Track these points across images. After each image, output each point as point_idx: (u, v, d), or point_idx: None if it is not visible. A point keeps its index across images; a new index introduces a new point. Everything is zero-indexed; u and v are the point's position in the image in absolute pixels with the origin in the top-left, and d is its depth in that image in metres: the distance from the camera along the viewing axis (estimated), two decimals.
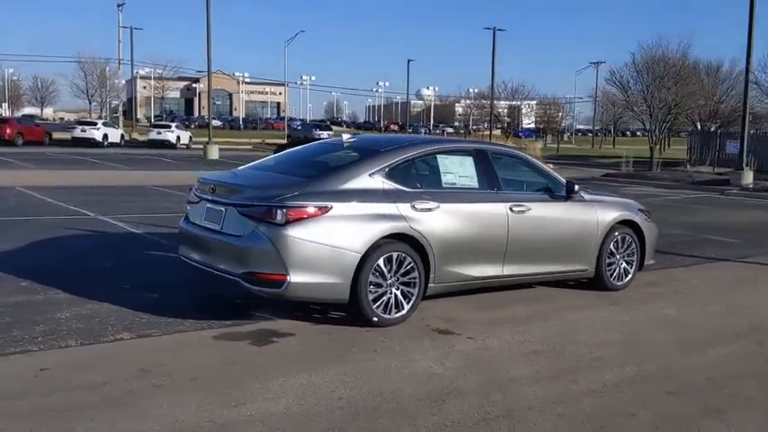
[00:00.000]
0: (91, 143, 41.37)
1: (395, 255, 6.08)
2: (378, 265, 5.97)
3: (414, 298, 6.23)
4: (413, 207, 6.21)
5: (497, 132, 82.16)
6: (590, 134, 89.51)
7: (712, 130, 39.45)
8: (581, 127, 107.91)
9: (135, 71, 73.70)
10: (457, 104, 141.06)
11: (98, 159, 30.44)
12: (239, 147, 49.93)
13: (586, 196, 7.63)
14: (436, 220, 6.32)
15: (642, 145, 73.97)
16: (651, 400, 4.65)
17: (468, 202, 6.66)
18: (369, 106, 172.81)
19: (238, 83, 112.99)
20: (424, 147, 6.80)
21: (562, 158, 43.14)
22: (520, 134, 75.21)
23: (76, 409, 4.15)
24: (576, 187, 7.39)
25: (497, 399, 4.57)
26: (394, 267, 6.08)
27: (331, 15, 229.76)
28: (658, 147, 56.47)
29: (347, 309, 6.09)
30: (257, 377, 4.80)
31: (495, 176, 7.00)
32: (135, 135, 53.52)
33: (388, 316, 6.08)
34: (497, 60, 45.83)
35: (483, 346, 5.71)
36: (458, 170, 6.82)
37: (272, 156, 7.52)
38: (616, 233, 7.79)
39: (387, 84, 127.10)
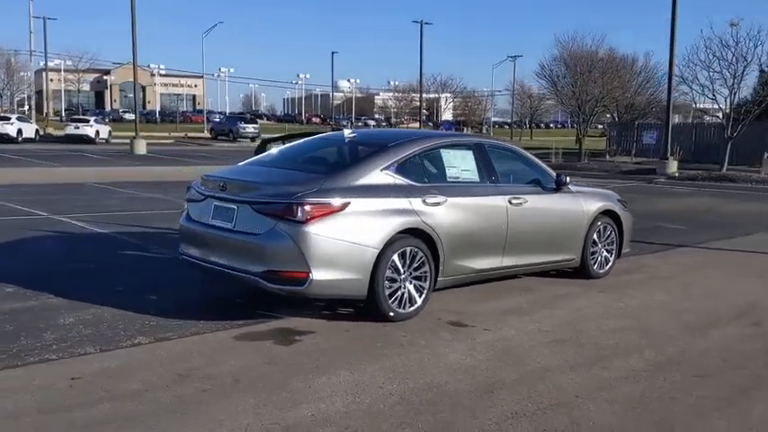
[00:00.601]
0: (4, 139, 39.47)
1: (408, 249, 6.10)
2: (393, 260, 5.99)
3: (425, 292, 6.27)
4: (423, 202, 6.25)
5: (417, 125, 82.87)
6: (506, 126, 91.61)
7: (629, 121, 40.96)
8: (497, 119, 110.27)
9: (45, 63, 70.46)
10: (376, 97, 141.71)
11: (18, 156, 29.08)
12: (162, 141, 48.57)
13: (572, 188, 7.85)
14: (444, 214, 6.37)
15: (557, 137, 76.19)
16: (684, 383, 4.85)
17: (472, 196, 6.75)
18: (287, 98, 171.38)
19: (152, 75, 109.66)
20: (427, 141, 6.83)
21: None
22: (441, 127, 76.27)
23: (136, 419, 4.00)
24: (568, 179, 7.60)
25: (542, 389, 4.67)
26: (407, 262, 6.11)
27: (251, 6, 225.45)
28: (576, 138, 58.49)
29: (364, 304, 6.06)
30: (299, 377, 4.74)
31: (494, 170, 7.11)
32: (50, 130, 51.29)
33: (403, 311, 6.11)
34: (424, 53, 46.26)
35: (503, 337, 5.80)
36: (459, 164, 6.90)
37: (272, 151, 7.36)
38: (599, 223, 8.06)
39: (308, 76, 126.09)
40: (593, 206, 8.01)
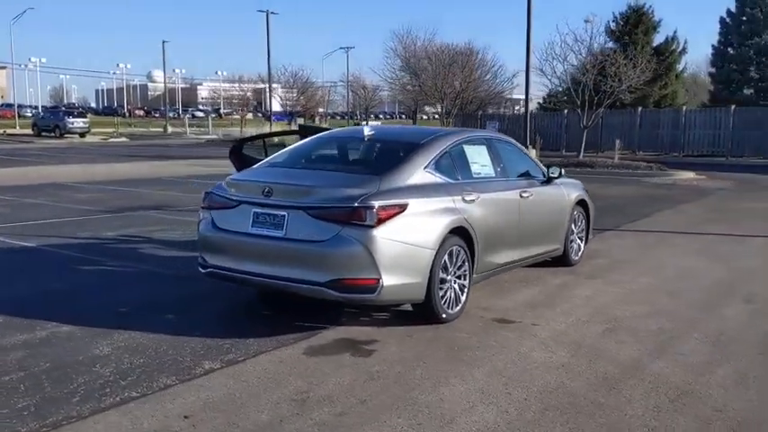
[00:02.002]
0: None
1: (454, 249, 6.03)
2: (444, 260, 5.88)
3: (467, 290, 6.23)
4: (463, 199, 6.19)
5: (249, 116, 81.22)
6: (338, 117, 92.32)
7: (473, 111, 42.73)
8: (330, 111, 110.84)
9: None
10: (199, 87, 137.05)
11: None
12: None
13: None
14: (478, 211, 6.35)
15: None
16: (757, 361, 5.21)
17: (494, 191, 6.77)
18: (101, 90, 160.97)
19: None
20: (451, 137, 6.73)
21: None
22: (274, 118, 75.17)
23: None
24: (563, 171, 7.84)
25: (653, 378, 4.80)
26: (454, 261, 6.02)
27: None
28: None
29: (418, 308, 5.89)
30: (417, 390, 4.54)
31: (504, 164, 7.19)
32: None
33: (452, 311, 6.03)
34: (262, 42, 44.96)
35: (559, 331, 5.88)
36: (478, 159, 6.89)
37: (287, 150, 6.85)
38: (575, 212, 8.40)
39: (129, 66, 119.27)
40: (573, 196, 8.33)
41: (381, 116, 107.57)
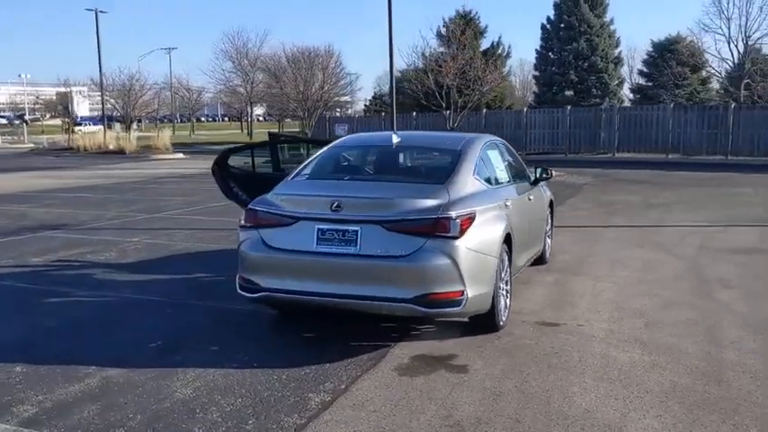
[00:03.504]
0: None
1: (505, 255, 6.01)
2: (499, 267, 5.86)
3: (510, 295, 6.24)
4: (505, 205, 6.19)
5: (57, 121, 75.57)
6: (158, 121, 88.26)
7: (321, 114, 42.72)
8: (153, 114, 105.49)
9: None
10: None
11: None
12: None
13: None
14: (513, 216, 6.39)
15: (222, 130, 76.06)
16: None
17: (516, 195, 6.83)
18: None
19: None
20: (478, 142, 6.63)
21: (197, 146, 42.22)
22: (84, 122, 70.29)
23: None
24: (553, 173, 8.05)
25: (742, 366, 5.08)
26: (504, 267, 6.01)
27: None
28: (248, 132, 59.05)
29: (481, 319, 5.79)
30: (553, 403, 4.50)
31: (511, 167, 7.28)
32: None
33: (504, 318, 6.02)
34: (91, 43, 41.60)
35: (609, 330, 6.03)
36: (497, 164, 6.92)
37: (323, 162, 6.37)
38: (548, 211, 8.70)
39: None
40: (547, 196, 8.61)
41: (204, 119, 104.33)
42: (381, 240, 5.19)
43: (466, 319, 5.81)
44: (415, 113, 36.78)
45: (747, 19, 33.13)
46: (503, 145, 7.56)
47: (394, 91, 26.62)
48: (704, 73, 40.88)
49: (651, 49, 42.50)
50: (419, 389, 4.70)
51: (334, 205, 5.29)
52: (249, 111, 59.20)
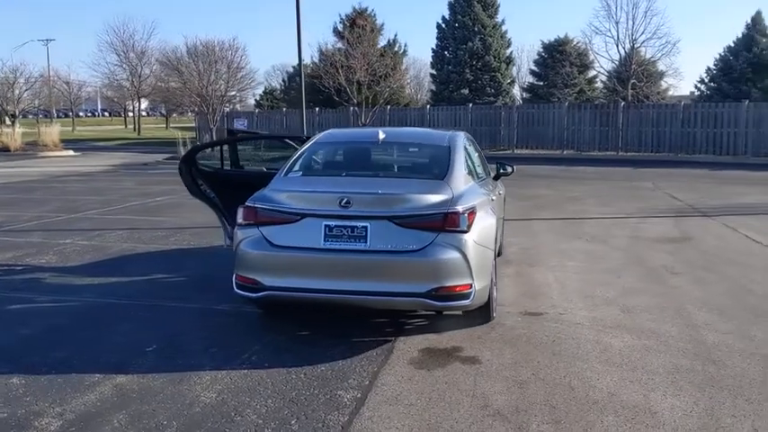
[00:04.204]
0: None
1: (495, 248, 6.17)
2: (495, 260, 6.01)
3: (496, 288, 6.41)
4: (492, 199, 6.36)
5: None
6: (37, 117, 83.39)
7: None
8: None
9: None
10: None
11: None
12: None
13: None
14: (496, 209, 6.55)
15: (104, 126, 72.81)
16: None
17: (493, 190, 7.01)
18: None
19: None
20: (459, 138, 6.72)
21: (83, 142, 40.03)
22: None
23: None
24: (510, 169, 8.24)
25: (743, 340, 5.48)
26: (495, 260, 6.17)
27: None
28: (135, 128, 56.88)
29: (477, 311, 5.92)
30: (578, 389, 4.68)
31: (481, 162, 7.46)
32: None
33: (495, 311, 6.17)
34: None
35: (592, 318, 6.29)
36: (474, 159, 7.06)
37: (310, 159, 6.27)
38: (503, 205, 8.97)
39: None
40: (503, 191, 8.87)
41: (83, 114, 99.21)
42: (391, 236, 5.22)
43: (459, 312, 5.92)
44: (318, 109, 36.66)
45: (634, 22, 35.16)
46: (473, 142, 7.73)
47: (304, 87, 26.45)
48: (591, 73, 43.05)
49: (542, 50, 44.26)
50: (443, 381, 4.77)
51: (343, 201, 5.27)
52: (137, 106, 57.05)
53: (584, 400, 4.45)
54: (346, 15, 46.55)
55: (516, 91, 49.12)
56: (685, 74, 76.28)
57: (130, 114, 72.05)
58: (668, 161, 27.36)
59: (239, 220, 5.57)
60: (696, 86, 41.54)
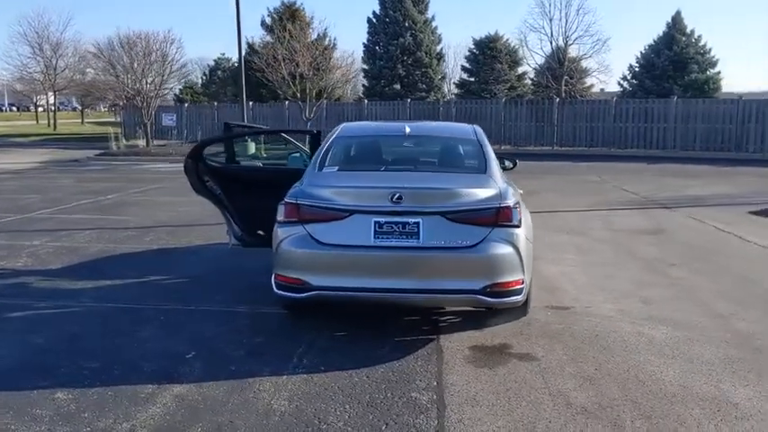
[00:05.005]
0: None
1: None
2: None
3: None
4: (520, 192, 6.28)
5: None
6: None
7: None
8: None
9: None
10: None
11: None
12: None
13: None
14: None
15: (13, 121, 69.30)
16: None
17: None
18: None
19: None
20: (480, 129, 6.66)
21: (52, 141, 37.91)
22: None
23: None
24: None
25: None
26: None
27: None
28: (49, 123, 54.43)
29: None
30: (649, 382, 4.67)
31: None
32: None
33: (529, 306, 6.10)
34: None
35: (620, 310, 6.31)
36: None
37: (343, 152, 6.01)
38: None
39: None
40: None
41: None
42: (444, 231, 5.07)
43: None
44: (251, 104, 35.89)
45: (567, 20, 35.97)
46: None
47: (244, 81, 25.84)
48: (521, 69, 43.81)
49: (473, 47, 44.74)
50: (512, 379, 4.67)
51: (395, 197, 5.08)
52: (51, 100, 54.55)
53: (661, 394, 4.43)
54: (275, 9, 45.86)
55: (449, 87, 49.56)
56: (614, 71, 78.80)
57: (41, 109, 68.77)
58: (603, 155, 28.11)
59: (280, 217, 5.29)
60: (619, 83, 42.91)
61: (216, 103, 40.15)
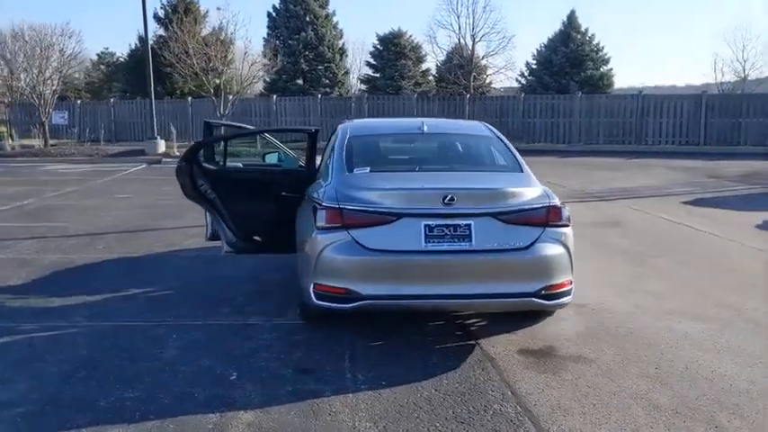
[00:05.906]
0: None
1: None
2: None
3: None
4: None
5: None
6: None
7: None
8: None
9: None
10: None
11: None
12: None
13: None
14: None
15: None
16: None
17: None
18: None
19: None
20: (491, 126, 6.54)
21: None
22: None
23: None
24: None
25: None
26: None
27: None
28: None
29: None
30: (718, 381, 4.67)
31: None
32: None
33: None
34: None
35: (635, 305, 6.34)
36: None
37: (366, 152, 5.64)
38: None
39: None
40: None
41: None
42: (496, 233, 4.88)
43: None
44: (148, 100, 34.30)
45: (474, 17, 36.56)
46: None
47: (151, 76, 24.66)
48: (424, 65, 44.26)
49: (377, 42, 44.74)
50: (585, 384, 4.55)
51: (447, 198, 4.84)
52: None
53: (734, 391, 4.44)
54: (167, 2, 44.10)
55: (353, 82, 49.36)
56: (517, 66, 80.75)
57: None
58: None
59: (321, 223, 4.92)
60: (517, 80, 44.12)
61: (112, 100, 38.16)
